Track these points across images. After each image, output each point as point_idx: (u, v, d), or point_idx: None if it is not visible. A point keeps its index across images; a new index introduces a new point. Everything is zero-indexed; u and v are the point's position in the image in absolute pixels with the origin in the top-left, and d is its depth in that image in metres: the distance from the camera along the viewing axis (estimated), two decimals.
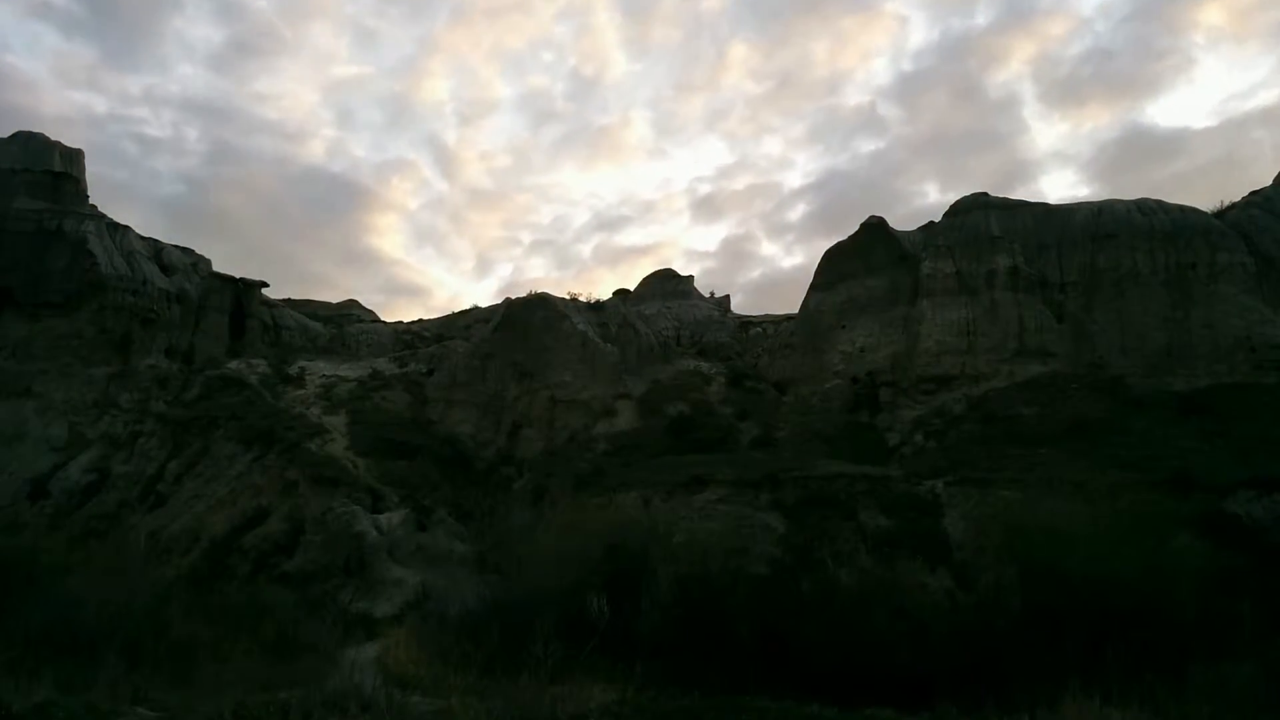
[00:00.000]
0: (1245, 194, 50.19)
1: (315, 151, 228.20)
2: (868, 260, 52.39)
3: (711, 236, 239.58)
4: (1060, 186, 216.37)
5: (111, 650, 10.52)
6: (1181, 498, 21.53)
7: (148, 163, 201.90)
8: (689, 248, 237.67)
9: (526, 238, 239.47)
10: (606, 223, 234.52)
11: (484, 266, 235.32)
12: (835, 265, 54.29)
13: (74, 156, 56.53)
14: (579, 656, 9.37)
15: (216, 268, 62.78)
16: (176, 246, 62.39)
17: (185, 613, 15.26)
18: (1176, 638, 11.31)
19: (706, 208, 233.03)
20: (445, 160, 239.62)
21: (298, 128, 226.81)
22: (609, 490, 31.44)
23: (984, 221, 49.10)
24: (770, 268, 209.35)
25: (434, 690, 10.38)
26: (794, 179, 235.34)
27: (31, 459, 44.74)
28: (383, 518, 32.94)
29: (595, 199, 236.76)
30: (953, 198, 54.48)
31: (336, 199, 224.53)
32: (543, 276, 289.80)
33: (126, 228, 57.46)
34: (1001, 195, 52.88)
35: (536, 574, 14.52)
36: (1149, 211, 47.62)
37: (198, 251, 63.62)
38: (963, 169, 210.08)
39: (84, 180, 56.82)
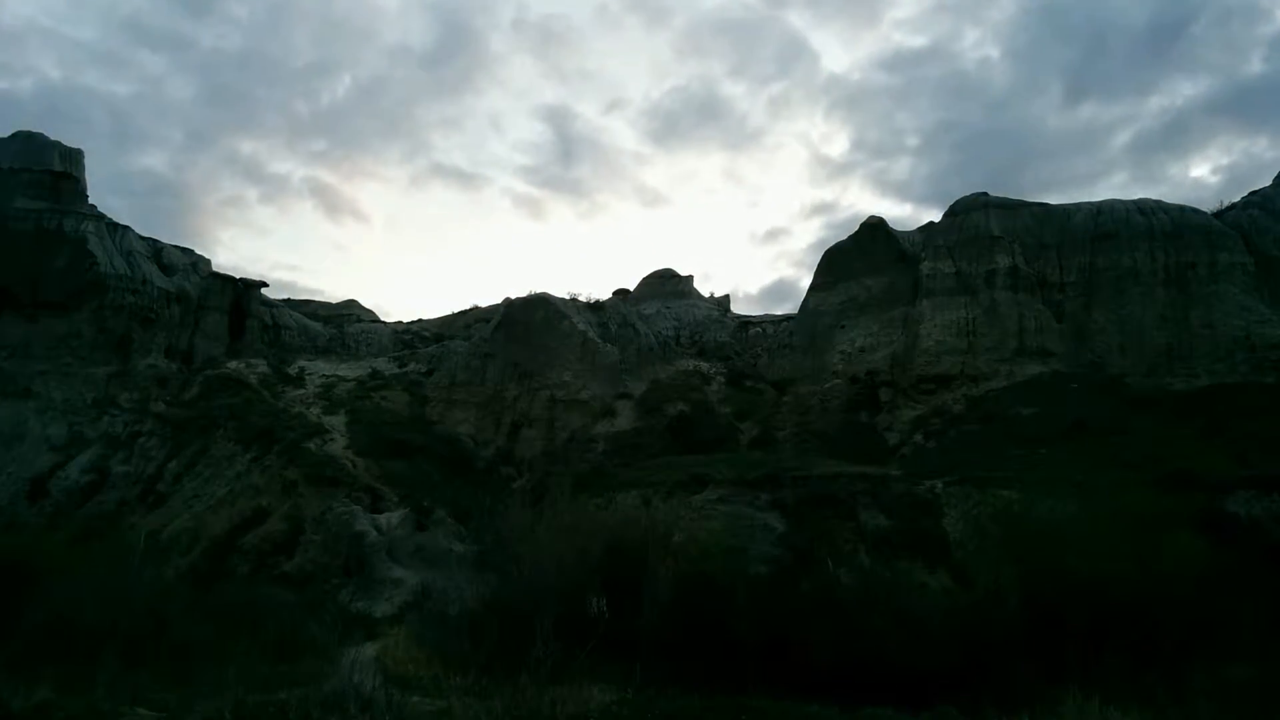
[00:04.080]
0: (1245, 194, 50.32)
1: None
2: (868, 260, 52.41)
3: None
4: None
5: (111, 650, 10.52)
6: (1181, 498, 21.49)
7: None
8: None
9: None
10: None
11: None
12: (835, 265, 54.30)
13: (74, 156, 56.49)
14: (579, 656, 9.35)
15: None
16: (176, 246, 62.39)
17: (185, 613, 15.24)
18: (1176, 638, 11.31)
19: None
20: None
21: None
22: (609, 490, 31.41)
23: (984, 221, 49.11)
24: None
25: (434, 690, 10.37)
26: None
27: (31, 459, 44.72)
28: (382, 518, 32.92)
29: None
30: None
31: None
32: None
33: (126, 228, 57.48)
34: (1002, 195, 52.93)
35: (536, 574, 14.50)
36: (1149, 211, 47.64)
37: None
38: None
39: (84, 180, 56.78)
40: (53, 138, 55.92)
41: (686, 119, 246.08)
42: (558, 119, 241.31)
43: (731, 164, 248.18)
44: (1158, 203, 48.74)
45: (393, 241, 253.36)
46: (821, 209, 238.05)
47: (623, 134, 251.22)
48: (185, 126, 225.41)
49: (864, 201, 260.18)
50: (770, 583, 15.78)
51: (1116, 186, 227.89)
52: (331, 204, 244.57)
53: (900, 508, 28.00)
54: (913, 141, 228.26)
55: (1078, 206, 50.19)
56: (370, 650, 16.43)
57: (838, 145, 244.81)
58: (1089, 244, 46.86)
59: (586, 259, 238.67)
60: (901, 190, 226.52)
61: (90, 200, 56.65)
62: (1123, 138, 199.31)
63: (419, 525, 32.91)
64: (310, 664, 13.26)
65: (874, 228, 53.43)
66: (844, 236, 55.91)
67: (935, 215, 57.37)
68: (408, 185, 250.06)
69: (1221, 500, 24.45)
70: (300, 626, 18.35)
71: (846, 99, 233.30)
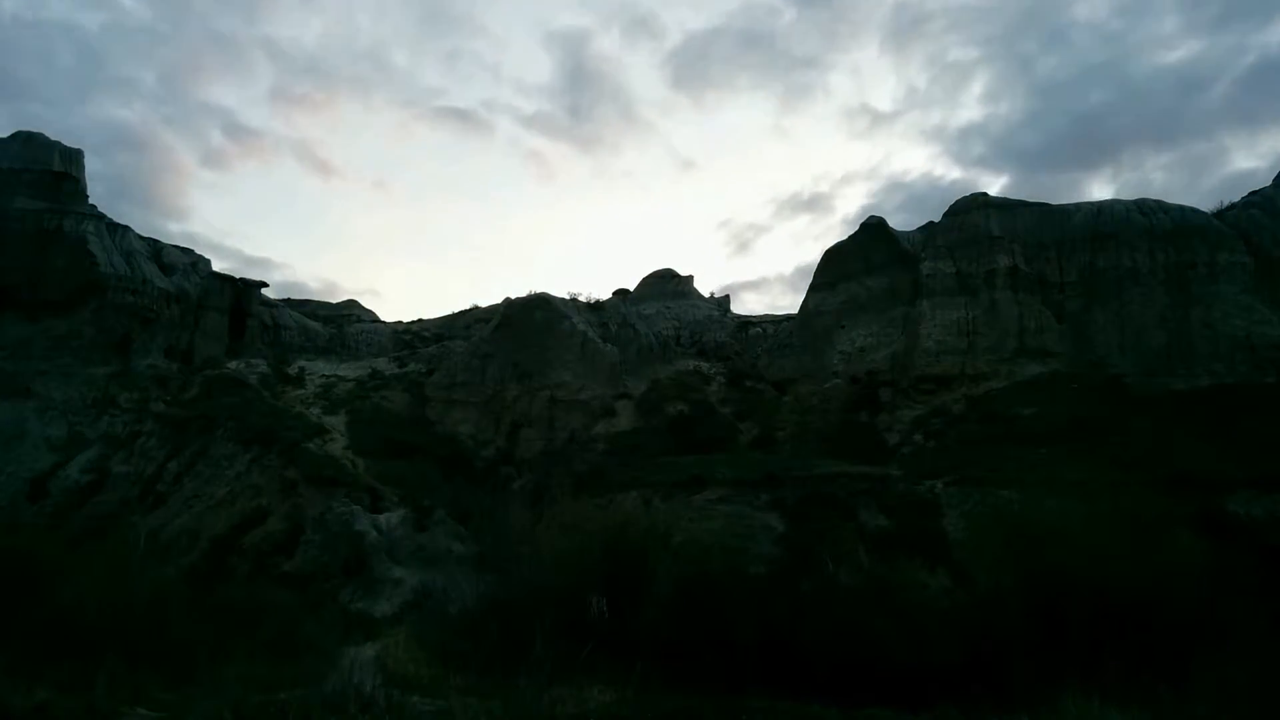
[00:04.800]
0: (1245, 194, 50.33)
1: None
2: (868, 260, 52.43)
3: None
4: None
5: (111, 650, 10.50)
6: (1181, 498, 21.51)
7: None
8: None
9: None
10: None
11: None
12: (835, 265, 54.32)
13: (74, 156, 56.51)
14: (579, 656, 9.36)
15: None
16: (176, 246, 62.42)
17: (185, 613, 15.22)
18: (1176, 638, 11.30)
19: None
20: None
21: None
22: (609, 490, 31.43)
23: (984, 221, 49.12)
24: None
25: (433, 690, 10.37)
26: None
27: (31, 459, 44.71)
28: (382, 518, 32.91)
29: None
30: None
31: None
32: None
33: (126, 227, 57.50)
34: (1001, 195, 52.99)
35: (536, 574, 14.50)
36: (1149, 211, 47.64)
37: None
38: None
39: (84, 180, 56.80)
40: (53, 137, 56.02)
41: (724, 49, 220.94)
42: (572, 46, 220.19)
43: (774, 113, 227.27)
44: (1158, 203, 48.75)
45: (381, 207, 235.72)
46: (871, 173, 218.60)
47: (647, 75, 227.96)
48: (156, 69, 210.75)
49: (920, 161, 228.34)
50: (770, 583, 15.77)
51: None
52: (313, 160, 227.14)
53: (900, 508, 28.04)
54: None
55: (1077, 206, 50.22)
56: (370, 650, 16.43)
57: (891, 92, 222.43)
58: (1089, 244, 46.86)
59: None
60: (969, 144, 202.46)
61: (91, 202, 56.71)
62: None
63: (419, 525, 32.91)
64: (310, 664, 13.25)
65: (874, 228, 53.48)
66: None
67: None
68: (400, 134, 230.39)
69: (1221, 500, 24.48)
70: (300, 626, 18.36)
71: (907, 28, 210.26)
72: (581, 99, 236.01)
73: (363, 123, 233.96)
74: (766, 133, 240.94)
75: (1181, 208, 47.99)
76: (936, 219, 53.02)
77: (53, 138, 55.99)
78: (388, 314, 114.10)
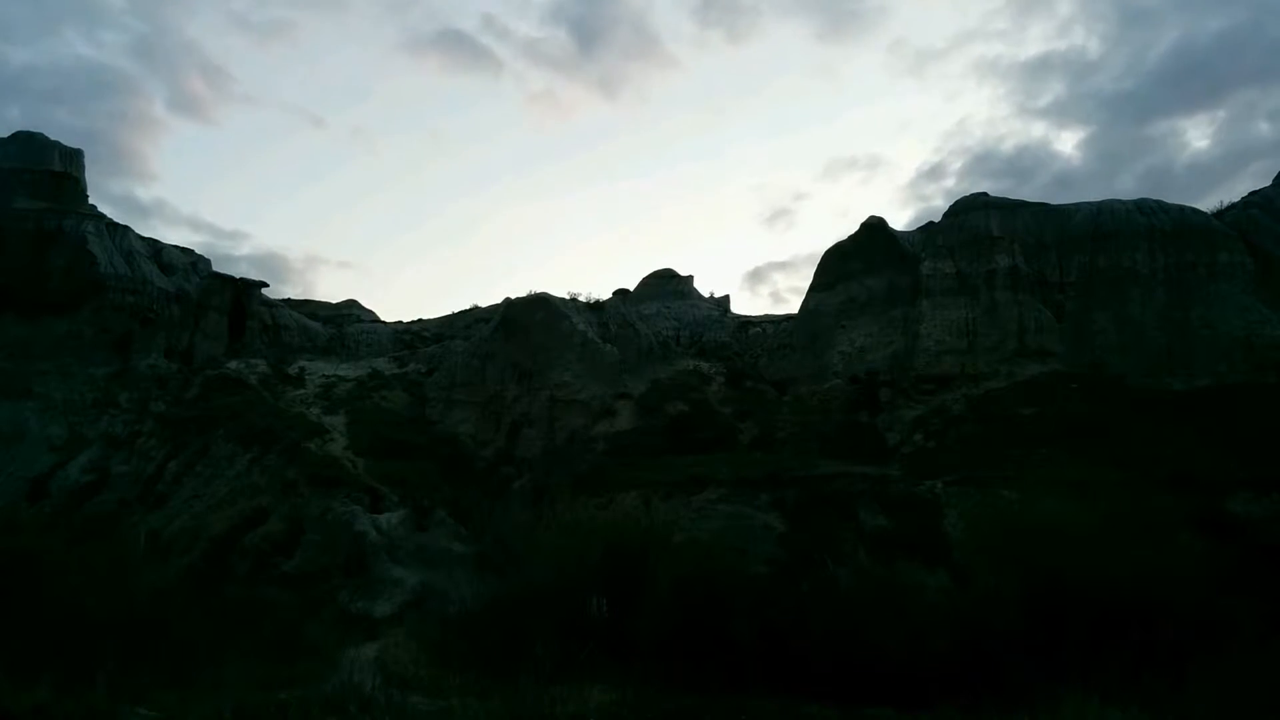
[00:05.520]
0: (1245, 194, 50.38)
1: None
2: (867, 260, 52.43)
3: None
4: None
5: (111, 650, 10.51)
6: (1181, 498, 21.51)
7: None
8: None
9: None
10: None
11: None
12: (835, 265, 54.32)
13: (74, 156, 56.52)
14: (579, 656, 9.36)
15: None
16: (176, 246, 62.42)
17: (185, 613, 15.24)
18: (1176, 638, 11.30)
19: None
20: None
21: None
22: (609, 490, 31.45)
23: (984, 221, 49.13)
24: None
25: (434, 690, 10.38)
26: None
27: (31, 459, 44.71)
28: (382, 517, 32.90)
29: None
30: None
31: None
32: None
33: (126, 228, 57.51)
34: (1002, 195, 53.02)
35: (536, 574, 14.52)
36: (1149, 211, 47.66)
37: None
38: None
39: (84, 180, 56.82)
40: (53, 138, 56.03)
41: None
42: None
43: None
44: (1158, 202, 48.78)
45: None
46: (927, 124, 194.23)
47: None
48: None
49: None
50: (770, 583, 15.79)
51: None
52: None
53: (900, 508, 28.05)
54: None
55: (1077, 206, 50.24)
56: (370, 650, 16.44)
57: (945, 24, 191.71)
58: (1089, 244, 46.87)
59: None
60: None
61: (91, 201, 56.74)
62: None
63: (419, 525, 32.92)
64: (310, 664, 13.27)
65: (874, 228, 53.50)
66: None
67: None
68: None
69: (1221, 500, 24.48)
70: (300, 626, 18.38)
71: None
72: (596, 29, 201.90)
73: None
74: (808, 73, 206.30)
75: (1181, 207, 48.06)
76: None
77: (53, 138, 56.07)
78: (388, 314, 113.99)
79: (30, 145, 55.05)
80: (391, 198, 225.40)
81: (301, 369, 55.81)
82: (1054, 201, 50.72)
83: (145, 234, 61.16)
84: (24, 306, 50.10)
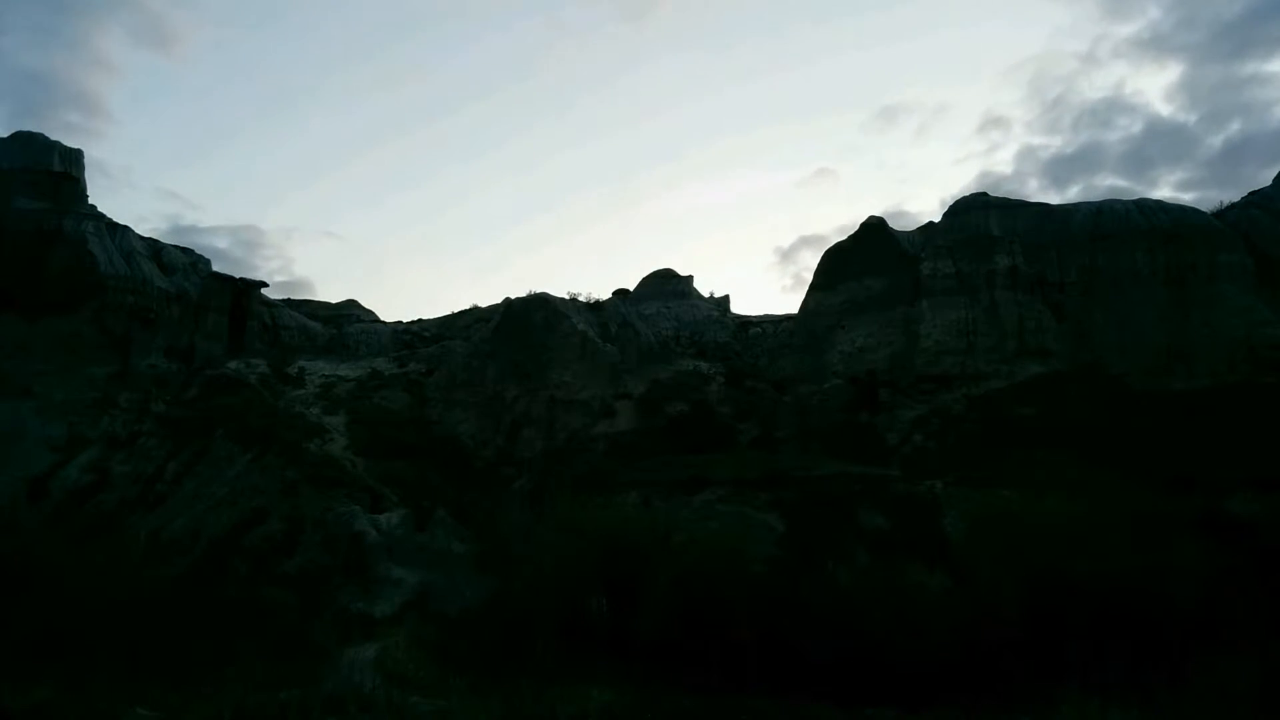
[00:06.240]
0: (1245, 194, 50.39)
1: None
2: (868, 260, 52.41)
3: None
4: None
5: (111, 650, 10.51)
6: (1182, 498, 21.51)
7: None
8: None
9: None
10: None
11: None
12: (835, 265, 54.31)
13: (74, 156, 56.49)
14: (579, 656, 9.36)
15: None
16: (176, 246, 62.39)
17: (185, 613, 15.24)
18: (1176, 638, 11.31)
19: None
20: None
21: None
22: (609, 490, 31.41)
23: (984, 221, 49.13)
24: None
25: (434, 690, 10.37)
26: None
27: (31, 459, 44.67)
28: (382, 518, 32.90)
29: None
30: None
31: None
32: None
33: (126, 228, 57.49)
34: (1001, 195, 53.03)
35: (536, 574, 14.52)
36: (1149, 211, 47.65)
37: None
38: None
39: (84, 180, 56.78)
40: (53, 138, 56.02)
41: None
42: None
43: None
44: (1158, 202, 48.78)
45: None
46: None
47: None
48: None
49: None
50: (770, 583, 15.77)
51: None
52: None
53: (900, 508, 28.04)
54: None
55: (1077, 206, 50.26)
56: (370, 650, 16.43)
57: None
58: (1089, 244, 46.86)
59: None
60: None
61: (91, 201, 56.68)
62: None
63: (419, 525, 32.90)
64: (310, 664, 13.26)
65: (874, 228, 53.50)
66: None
67: None
68: None
69: (1221, 500, 24.46)
70: (300, 627, 18.36)
71: None
72: None
73: None
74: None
75: (1181, 207, 48.08)
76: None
77: (52, 138, 56.06)
78: (387, 313, 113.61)
79: (30, 145, 55.02)
80: (373, 159, 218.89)
81: (301, 369, 55.78)
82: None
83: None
84: (24, 306, 50.07)
